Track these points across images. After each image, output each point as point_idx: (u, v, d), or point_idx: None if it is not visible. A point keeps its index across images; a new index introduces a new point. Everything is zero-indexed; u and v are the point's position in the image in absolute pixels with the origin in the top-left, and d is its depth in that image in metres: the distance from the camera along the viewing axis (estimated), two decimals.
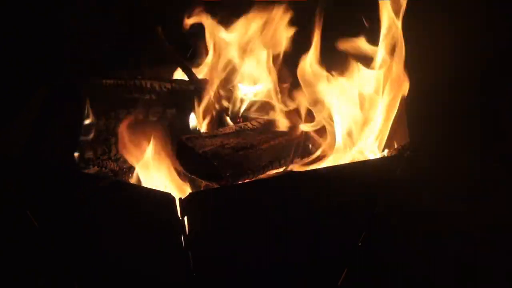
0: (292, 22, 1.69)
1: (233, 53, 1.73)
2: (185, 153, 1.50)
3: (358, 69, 1.65)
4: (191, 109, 1.72)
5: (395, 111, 1.63)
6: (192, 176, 1.53)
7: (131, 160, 1.50)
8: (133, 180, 1.61)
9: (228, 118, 1.74)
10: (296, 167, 1.64)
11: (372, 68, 1.62)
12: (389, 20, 1.57)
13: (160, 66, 1.84)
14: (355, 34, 1.62)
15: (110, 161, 1.66)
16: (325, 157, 1.66)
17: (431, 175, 1.77)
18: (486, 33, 1.77)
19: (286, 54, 1.71)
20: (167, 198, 1.28)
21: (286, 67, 1.74)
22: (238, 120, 1.78)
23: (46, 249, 1.53)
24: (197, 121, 1.72)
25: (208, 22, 1.72)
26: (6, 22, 1.75)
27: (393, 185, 1.51)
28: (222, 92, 1.75)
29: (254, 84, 1.77)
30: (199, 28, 1.74)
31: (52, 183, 1.44)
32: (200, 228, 1.32)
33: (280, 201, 1.39)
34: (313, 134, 1.66)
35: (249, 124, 1.66)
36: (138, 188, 1.46)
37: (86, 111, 1.66)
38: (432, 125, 1.71)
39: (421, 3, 1.68)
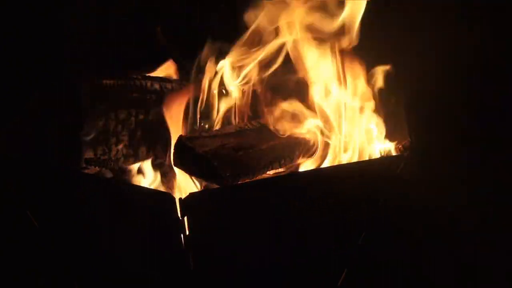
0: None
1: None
2: (185, 153, 1.50)
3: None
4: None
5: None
6: (192, 176, 1.53)
7: None
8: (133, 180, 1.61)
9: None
10: (296, 167, 1.64)
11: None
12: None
13: (160, 66, 1.84)
14: None
15: (110, 161, 1.66)
16: (325, 157, 1.67)
17: (431, 175, 1.77)
18: (488, 33, 1.77)
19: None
20: (167, 198, 1.28)
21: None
22: (238, 120, 1.78)
23: (46, 249, 1.53)
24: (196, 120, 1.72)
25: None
26: (6, 22, 1.75)
27: (393, 185, 1.51)
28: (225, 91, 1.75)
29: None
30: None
31: (52, 183, 1.44)
32: (200, 228, 1.32)
33: (280, 201, 1.39)
34: (312, 134, 1.66)
35: (249, 124, 1.66)
36: (138, 188, 1.46)
37: (86, 111, 1.66)
38: (432, 125, 1.71)
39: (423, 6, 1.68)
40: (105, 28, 1.81)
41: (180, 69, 1.82)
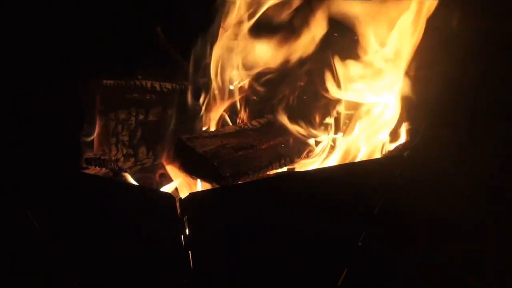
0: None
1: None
2: (186, 152, 1.51)
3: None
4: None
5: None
6: (192, 176, 1.53)
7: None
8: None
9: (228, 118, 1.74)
10: (296, 167, 1.64)
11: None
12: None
13: (160, 66, 1.84)
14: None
15: (110, 161, 1.66)
16: (324, 157, 1.67)
17: (431, 175, 1.77)
18: (493, 34, 1.77)
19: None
20: (167, 198, 1.28)
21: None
22: (238, 120, 1.78)
23: (46, 249, 1.53)
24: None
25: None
26: (6, 22, 1.75)
27: (393, 185, 1.51)
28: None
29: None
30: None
31: (52, 183, 1.44)
32: (200, 228, 1.32)
33: (280, 201, 1.39)
34: (313, 134, 1.66)
35: (249, 124, 1.67)
36: (138, 188, 1.46)
37: (86, 111, 1.66)
38: (432, 124, 1.71)
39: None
40: (105, 28, 1.81)
41: (180, 69, 1.82)
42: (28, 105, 1.67)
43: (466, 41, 1.72)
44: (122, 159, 1.71)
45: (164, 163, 1.55)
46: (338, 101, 1.69)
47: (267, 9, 1.68)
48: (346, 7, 1.61)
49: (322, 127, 1.68)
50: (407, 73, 1.62)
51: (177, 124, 1.76)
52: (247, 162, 1.48)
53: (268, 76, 1.74)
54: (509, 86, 1.86)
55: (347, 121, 1.69)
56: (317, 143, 1.67)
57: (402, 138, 1.63)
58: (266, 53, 1.72)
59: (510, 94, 1.86)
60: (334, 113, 1.70)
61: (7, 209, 1.61)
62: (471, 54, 1.76)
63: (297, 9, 1.68)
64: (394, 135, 1.66)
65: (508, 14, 1.77)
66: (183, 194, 1.30)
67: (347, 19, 1.62)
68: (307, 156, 1.65)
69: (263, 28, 1.70)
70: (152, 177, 1.70)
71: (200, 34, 1.71)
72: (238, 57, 1.71)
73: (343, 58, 1.65)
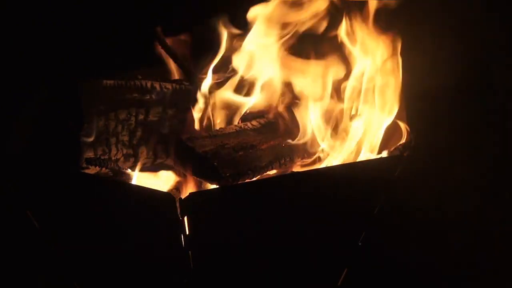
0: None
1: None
2: (185, 153, 1.51)
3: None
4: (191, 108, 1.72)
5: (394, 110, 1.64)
6: (192, 176, 1.53)
7: None
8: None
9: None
10: (296, 167, 1.64)
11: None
12: None
13: (160, 66, 1.84)
14: None
15: (110, 161, 1.66)
16: (325, 157, 1.67)
17: (431, 175, 1.77)
18: (491, 32, 1.77)
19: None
20: (167, 198, 1.28)
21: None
22: (238, 120, 1.78)
23: (46, 249, 1.53)
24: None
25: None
26: (6, 21, 1.75)
27: (393, 185, 1.51)
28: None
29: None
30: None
31: (52, 183, 1.44)
32: (200, 228, 1.32)
33: (280, 201, 1.39)
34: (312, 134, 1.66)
35: (249, 124, 1.66)
36: (138, 188, 1.46)
37: (86, 111, 1.66)
38: (432, 124, 1.71)
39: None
40: (105, 28, 1.82)
41: (180, 69, 1.82)
42: (28, 105, 1.67)
43: (465, 40, 1.73)
44: (122, 159, 1.71)
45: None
46: (338, 101, 1.68)
47: None
48: None
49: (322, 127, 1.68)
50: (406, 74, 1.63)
51: (177, 124, 1.76)
52: (247, 162, 1.48)
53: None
54: (509, 86, 1.86)
55: (347, 121, 1.69)
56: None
57: (402, 138, 1.63)
58: None
59: (509, 94, 1.86)
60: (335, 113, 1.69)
61: (7, 209, 1.61)
62: (471, 53, 1.76)
63: None
64: (394, 135, 1.66)
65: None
66: (183, 194, 1.30)
67: None
68: (307, 157, 1.65)
69: None
70: (152, 177, 1.70)
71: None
72: None
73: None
